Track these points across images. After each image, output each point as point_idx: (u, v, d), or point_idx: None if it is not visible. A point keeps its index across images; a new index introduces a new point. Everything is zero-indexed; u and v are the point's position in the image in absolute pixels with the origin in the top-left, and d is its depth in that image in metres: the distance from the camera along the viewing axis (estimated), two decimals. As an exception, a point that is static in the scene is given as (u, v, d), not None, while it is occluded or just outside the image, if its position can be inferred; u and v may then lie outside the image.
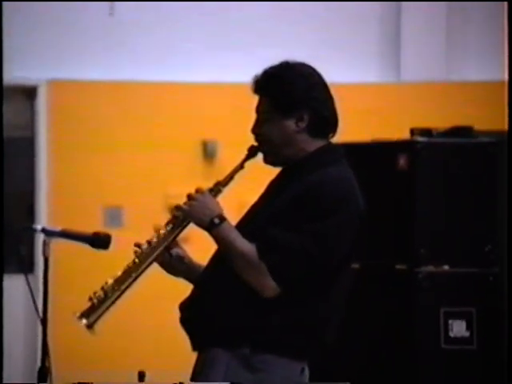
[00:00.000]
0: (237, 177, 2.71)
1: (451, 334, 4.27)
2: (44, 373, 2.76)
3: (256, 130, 2.71)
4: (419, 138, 4.40)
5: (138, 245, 2.70)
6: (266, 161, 2.71)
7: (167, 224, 2.69)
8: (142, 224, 7.04)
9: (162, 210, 6.57)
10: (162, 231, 2.69)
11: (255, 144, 2.71)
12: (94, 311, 2.64)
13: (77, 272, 6.41)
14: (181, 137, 6.87)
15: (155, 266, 2.74)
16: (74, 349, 6.23)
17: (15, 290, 6.17)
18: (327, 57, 6.79)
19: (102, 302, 2.64)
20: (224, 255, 2.64)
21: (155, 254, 2.69)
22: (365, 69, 7.02)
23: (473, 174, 4.35)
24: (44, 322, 2.77)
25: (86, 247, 2.86)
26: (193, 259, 2.79)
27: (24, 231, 3.05)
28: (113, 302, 2.64)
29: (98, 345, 5.80)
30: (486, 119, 5.82)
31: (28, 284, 2.85)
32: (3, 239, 3.99)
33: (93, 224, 6.19)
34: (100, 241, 2.84)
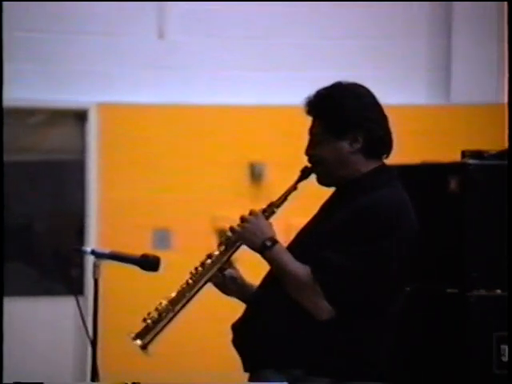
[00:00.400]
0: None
1: (504, 359, 4.21)
2: (94, 394, 2.77)
3: (310, 151, 2.71)
4: (470, 161, 4.35)
5: (196, 267, 2.71)
6: (320, 182, 2.71)
7: (220, 245, 2.70)
8: (190, 246, 7.09)
9: (210, 233, 6.58)
10: (215, 253, 2.69)
11: (308, 165, 2.71)
12: (148, 332, 2.66)
13: (126, 294, 6.43)
14: (228, 159, 6.89)
15: (209, 286, 2.74)
16: (124, 371, 6.24)
17: (65, 311, 6.22)
18: (376, 78, 6.76)
19: (156, 322, 2.66)
20: (277, 277, 2.63)
21: (208, 275, 2.69)
22: (415, 90, 6.99)
23: (525, 197, 4.29)
24: (94, 343, 2.77)
25: (136, 269, 2.87)
26: (245, 279, 2.79)
27: (74, 253, 3.07)
28: (167, 323, 2.66)
29: (148, 367, 5.81)
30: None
31: (78, 306, 2.86)
32: (3, 248, 4.02)
33: (142, 246, 6.22)
34: (149, 263, 2.85)
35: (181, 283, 2.69)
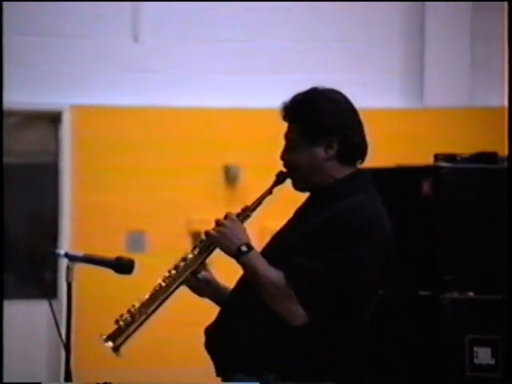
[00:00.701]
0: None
1: (476, 362, 4.23)
2: (67, 398, 2.76)
3: (285, 156, 2.71)
4: (443, 164, 4.38)
5: (169, 270, 2.71)
6: (295, 187, 2.71)
7: (194, 248, 2.70)
8: (165, 249, 7.07)
9: (184, 236, 6.57)
10: (189, 256, 2.69)
11: (284, 170, 2.71)
12: (120, 334, 2.65)
13: (100, 297, 6.41)
14: (203, 162, 6.88)
15: (184, 288, 2.74)
16: (98, 374, 6.22)
17: (39, 315, 6.19)
18: (351, 82, 6.79)
19: (128, 325, 2.65)
20: (252, 283, 2.63)
21: (182, 278, 2.69)
22: (388, 94, 7.02)
23: (497, 200, 4.32)
24: (67, 347, 2.76)
25: (110, 272, 2.86)
26: (220, 282, 2.78)
27: (48, 256, 3.06)
28: (139, 325, 2.65)
29: (122, 370, 5.79)
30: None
31: (51, 309, 2.85)
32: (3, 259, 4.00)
33: (116, 249, 6.19)
34: (123, 266, 2.84)
35: (154, 285, 2.68)
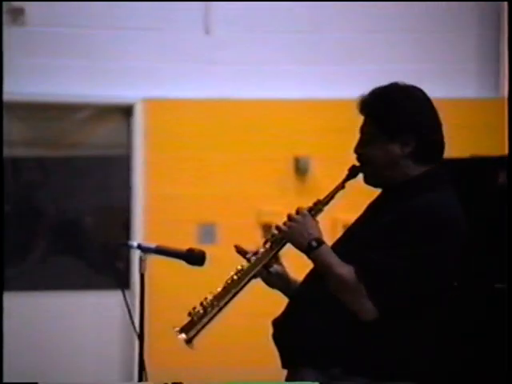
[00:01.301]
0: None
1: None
2: (140, 388, 2.78)
3: (359, 150, 2.67)
4: (520, 154, 4.29)
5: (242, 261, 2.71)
6: (367, 181, 2.68)
7: (266, 243, 2.69)
8: (235, 241, 7.06)
9: (255, 227, 6.57)
10: (261, 250, 2.68)
11: (357, 164, 2.68)
12: (193, 326, 2.65)
13: (172, 288, 6.45)
14: (273, 153, 6.87)
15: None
16: (171, 364, 6.26)
17: (112, 305, 6.25)
18: (423, 72, 6.71)
19: (201, 317, 2.65)
20: (322, 277, 2.61)
21: (254, 272, 2.69)
22: (464, 84, 6.91)
23: None
24: (141, 337, 2.78)
25: (181, 263, 2.87)
26: (291, 276, 2.77)
27: (121, 247, 3.08)
28: (212, 318, 2.65)
29: (194, 362, 5.82)
30: None
31: (125, 300, 2.87)
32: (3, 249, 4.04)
33: (187, 240, 6.23)
34: (195, 257, 2.85)
35: (226, 279, 2.68)
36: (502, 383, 4.14)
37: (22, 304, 6.46)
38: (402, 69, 6.70)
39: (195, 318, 2.65)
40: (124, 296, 2.86)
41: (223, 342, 6.40)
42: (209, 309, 2.65)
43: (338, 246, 2.65)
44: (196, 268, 2.87)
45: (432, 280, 2.54)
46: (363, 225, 2.65)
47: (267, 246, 2.69)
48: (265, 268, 2.70)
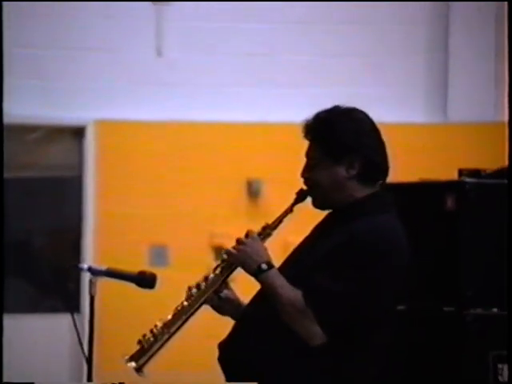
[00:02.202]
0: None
1: (501, 379, 4.19)
2: (89, 412, 2.76)
3: (305, 174, 2.69)
4: (467, 179, 4.35)
5: (190, 287, 2.70)
6: (315, 205, 2.69)
7: (216, 268, 2.69)
8: (187, 263, 7.07)
9: (207, 249, 6.57)
10: (210, 275, 2.68)
11: (304, 188, 2.70)
12: (143, 354, 2.64)
13: (123, 311, 6.42)
14: (226, 175, 6.89)
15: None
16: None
17: (61, 328, 6.20)
18: (374, 96, 6.79)
19: (151, 344, 2.64)
20: (270, 300, 2.62)
21: (204, 298, 2.68)
22: (412, 108, 6.99)
23: (522, 216, 4.28)
24: (89, 360, 2.76)
25: (132, 286, 2.86)
26: (241, 300, 2.77)
27: (71, 270, 3.07)
28: (162, 345, 2.64)
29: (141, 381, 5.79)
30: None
31: (74, 323, 2.85)
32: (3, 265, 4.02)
33: (138, 262, 6.20)
34: (146, 280, 2.84)
35: (176, 305, 2.67)
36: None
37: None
38: (353, 92, 6.77)
39: (145, 346, 2.63)
40: (73, 319, 2.85)
41: (174, 366, 6.37)
42: (159, 336, 2.63)
43: (285, 268, 2.66)
44: (147, 291, 2.86)
45: (378, 302, 2.57)
46: (310, 247, 2.67)
47: (217, 271, 2.69)
48: (215, 294, 2.70)
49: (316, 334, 2.54)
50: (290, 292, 2.58)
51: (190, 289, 2.69)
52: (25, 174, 6.96)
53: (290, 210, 2.70)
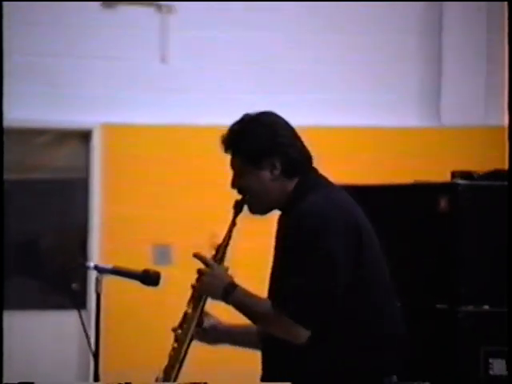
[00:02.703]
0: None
1: (491, 373, 4.18)
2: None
3: (235, 184, 2.71)
4: (460, 181, 4.34)
5: (174, 329, 2.68)
6: (253, 211, 2.68)
7: (189, 303, 2.67)
8: (190, 261, 7.05)
9: (208, 248, 6.56)
10: (188, 311, 2.66)
11: (238, 198, 2.70)
12: None
13: (127, 308, 6.40)
14: (225, 178, 6.87)
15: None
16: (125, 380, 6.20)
17: (69, 324, 6.19)
18: (370, 102, 6.78)
19: None
20: (246, 318, 2.60)
21: (189, 335, 2.67)
22: (406, 113, 6.99)
23: (512, 216, 4.28)
24: (96, 355, 2.75)
25: (137, 284, 2.85)
26: (226, 324, 2.75)
27: (77, 268, 3.05)
28: None
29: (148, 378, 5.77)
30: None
31: (81, 319, 2.84)
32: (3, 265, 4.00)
33: (142, 261, 6.19)
34: (150, 278, 2.84)
35: (168, 351, 2.66)
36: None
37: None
38: (349, 98, 6.76)
39: None
40: (80, 315, 2.84)
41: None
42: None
43: (269, 281, 2.65)
44: (151, 288, 2.85)
45: (340, 276, 2.50)
46: (275, 254, 2.65)
47: (190, 306, 2.66)
48: (198, 327, 2.67)
49: (298, 333, 2.52)
50: (258, 305, 2.57)
51: (175, 331, 2.68)
52: (33, 176, 6.95)
53: (233, 224, 2.70)
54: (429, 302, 4.29)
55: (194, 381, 2.67)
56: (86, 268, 2.87)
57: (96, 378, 2.77)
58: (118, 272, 2.85)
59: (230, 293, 2.59)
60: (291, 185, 2.63)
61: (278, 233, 2.67)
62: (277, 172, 2.62)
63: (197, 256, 2.65)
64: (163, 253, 6.76)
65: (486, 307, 4.25)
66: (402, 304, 3.88)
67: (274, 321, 2.53)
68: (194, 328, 2.68)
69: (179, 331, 2.67)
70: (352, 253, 2.54)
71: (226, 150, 2.71)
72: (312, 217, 2.54)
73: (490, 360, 4.19)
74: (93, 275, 2.86)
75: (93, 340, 2.78)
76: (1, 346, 3.84)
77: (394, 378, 2.64)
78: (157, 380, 2.65)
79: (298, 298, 2.51)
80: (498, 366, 4.20)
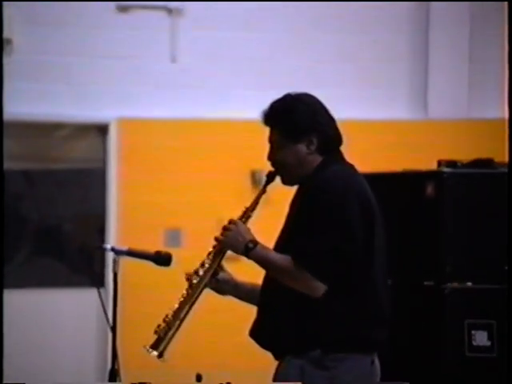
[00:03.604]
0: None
1: (474, 343, 4.20)
2: (114, 373, 2.77)
3: (272, 157, 2.72)
4: (445, 169, 4.36)
5: (188, 276, 2.69)
6: (285, 182, 2.70)
7: (209, 254, 2.68)
8: (198, 244, 7.04)
9: (215, 232, 6.57)
10: (205, 261, 2.68)
11: (272, 170, 2.70)
12: (161, 342, 2.65)
13: (142, 286, 6.43)
14: (232, 167, 6.88)
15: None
16: (140, 353, 6.23)
17: (88, 301, 6.21)
18: (363, 96, 6.77)
19: (166, 332, 2.64)
20: (268, 273, 2.61)
21: (203, 283, 2.68)
22: (395, 107, 6.98)
23: (493, 201, 4.29)
24: (114, 329, 2.77)
25: (150, 264, 2.87)
26: (237, 279, 2.77)
27: (96, 250, 3.07)
28: (176, 331, 2.65)
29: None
30: (505, 152, 5.74)
31: (100, 297, 2.86)
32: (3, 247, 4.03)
33: (155, 244, 6.20)
34: (162, 259, 2.85)
35: (181, 294, 2.67)
36: (429, 373, 4.18)
37: (8, 301, 6.40)
38: (345, 93, 6.76)
39: (161, 335, 2.64)
40: (99, 293, 2.86)
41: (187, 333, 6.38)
42: (171, 323, 2.64)
43: (276, 244, 2.65)
44: (163, 268, 2.87)
45: (354, 238, 2.53)
46: (288, 220, 2.65)
47: (210, 257, 2.68)
48: (213, 277, 2.69)
49: (315, 286, 2.52)
50: (280, 260, 2.57)
51: (189, 277, 2.68)
52: (56, 167, 6.97)
53: (263, 191, 2.74)
54: (417, 279, 4.31)
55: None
56: (104, 250, 2.89)
57: (114, 348, 2.79)
58: (132, 253, 2.87)
59: (252, 248, 2.59)
60: (319, 159, 2.65)
61: (295, 199, 2.66)
62: (313, 147, 2.64)
63: (222, 228, 2.62)
64: (174, 236, 6.77)
65: (469, 284, 4.27)
66: (393, 281, 3.91)
67: (294, 275, 2.52)
68: (209, 278, 2.68)
69: (194, 278, 2.66)
70: (364, 224, 2.57)
71: (266, 124, 2.70)
72: (336, 181, 2.58)
73: (473, 332, 4.20)
74: (110, 256, 2.88)
75: (110, 315, 2.80)
76: (1, 344, 3.85)
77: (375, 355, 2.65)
78: (166, 316, 2.66)
79: (317, 254, 2.51)
80: (480, 337, 4.22)
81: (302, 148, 2.64)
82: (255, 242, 2.60)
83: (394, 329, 4.16)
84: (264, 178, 2.72)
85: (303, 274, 2.52)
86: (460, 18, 7.01)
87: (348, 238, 2.53)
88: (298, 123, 2.65)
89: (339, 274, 2.53)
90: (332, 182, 2.58)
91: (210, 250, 2.69)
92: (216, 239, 2.67)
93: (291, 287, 2.55)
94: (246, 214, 2.69)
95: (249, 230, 2.65)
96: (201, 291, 2.67)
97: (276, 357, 2.63)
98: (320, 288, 2.51)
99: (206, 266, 2.68)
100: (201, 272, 2.67)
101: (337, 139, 2.68)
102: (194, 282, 2.66)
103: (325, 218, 2.53)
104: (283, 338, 2.57)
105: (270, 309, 2.61)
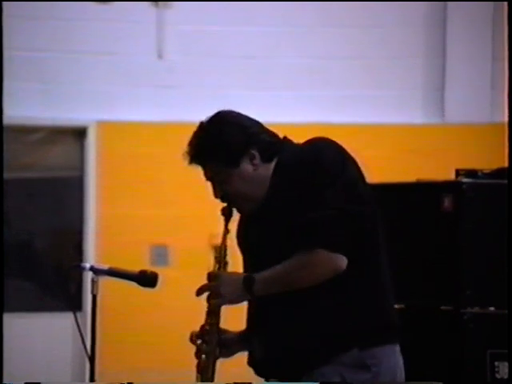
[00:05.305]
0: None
1: (498, 376, 4.19)
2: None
3: (220, 193, 2.69)
4: (464, 179, 4.35)
5: (193, 339, 2.61)
6: (244, 211, 2.66)
7: (207, 318, 2.62)
8: (188, 262, 7.06)
9: (207, 249, 6.56)
10: (206, 328, 2.60)
11: (225, 205, 2.69)
12: None
13: (124, 309, 6.41)
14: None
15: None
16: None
17: (64, 327, 6.19)
18: (373, 98, 6.78)
19: None
20: (287, 290, 2.54)
21: (214, 347, 2.61)
22: (411, 110, 7.00)
23: (518, 215, 4.28)
24: (92, 359, 2.76)
25: (134, 285, 2.86)
26: (234, 331, 2.71)
27: (73, 269, 3.05)
28: None
29: (144, 380, 5.78)
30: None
31: (76, 321, 2.84)
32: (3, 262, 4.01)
33: (139, 262, 6.19)
34: (147, 279, 2.84)
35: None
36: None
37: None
38: (354, 95, 6.76)
39: None
40: (75, 318, 2.84)
41: (174, 364, 6.36)
42: None
43: (270, 258, 2.58)
44: (148, 290, 2.85)
45: (361, 202, 2.52)
46: (278, 223, 2.58)
47: (208, 321, 2.60)
48: (219, 347, 2.61)
49: (337, 261, 2.47)
50: (285, 263, 2.52)
51: (193, 341, 2.61)
52: (27, 175, 6.95)
53: (226, 232, 2.68)
54: (433, 303, 4.30)
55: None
56: (82, 269, 2.87)
57: (92, 380, 2.77)
58: (114, 273, 2.85)
59: (252, 283, 2.54)
60: (271, 164, 2.63)
61: (278, 196, 2.61)
62: (256, 161, 2.62)
63: (200, 290, 2.59)
64: (160, 253, 6.76)
65: (492, 309, 4.26)
66: (405, 305, 3.89)
67: (310, 263, 2.49)
68: (217, 349, 2.62)
69: (203, 344, 2.62)
70: (369, 194, 2.57)
71: (197, 163, 2.71)
72: (329, 149, 2.57)
73: (496, 363, 4.19)
74: (88, 276, 2.86)
75: (89, 343, 2.78)
76: (1, 347, 3.84)
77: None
78: None
79: (323, 222, 2.48)
80: (504, 369, 4.20)
81: (247, 167, 2.62)
82: (248, 276, 2.55)
83: (406, 359, 4.15)
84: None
85: (317, 256, 2.47)
86: (481, 13, 7.02)
87: (355, 202, 2.51)
88: (231, 148, 2.63)
89: (352, 240, 2.48)
90: (326, 148, 2.58)
91: (206, 314, 2.64)
92: (209, 302, 2.59)
93: (315, 282, 2.47)
94: (222, 262, 2.65)
95: (233, 273, 2.60)
96: (214, 365, 2.61)
97: (294, 374, 2.56)
98: (340, 260, 2.46)
99: (209, 334, 2.60)
100: (205, 348, 2.59)
101: (275, 140, 2.67)
102: (206, 349, 2.60)
103: (325, 188, 2.51)
104: (308, 347, 2.51)
105: (277, 322, 2.56)
